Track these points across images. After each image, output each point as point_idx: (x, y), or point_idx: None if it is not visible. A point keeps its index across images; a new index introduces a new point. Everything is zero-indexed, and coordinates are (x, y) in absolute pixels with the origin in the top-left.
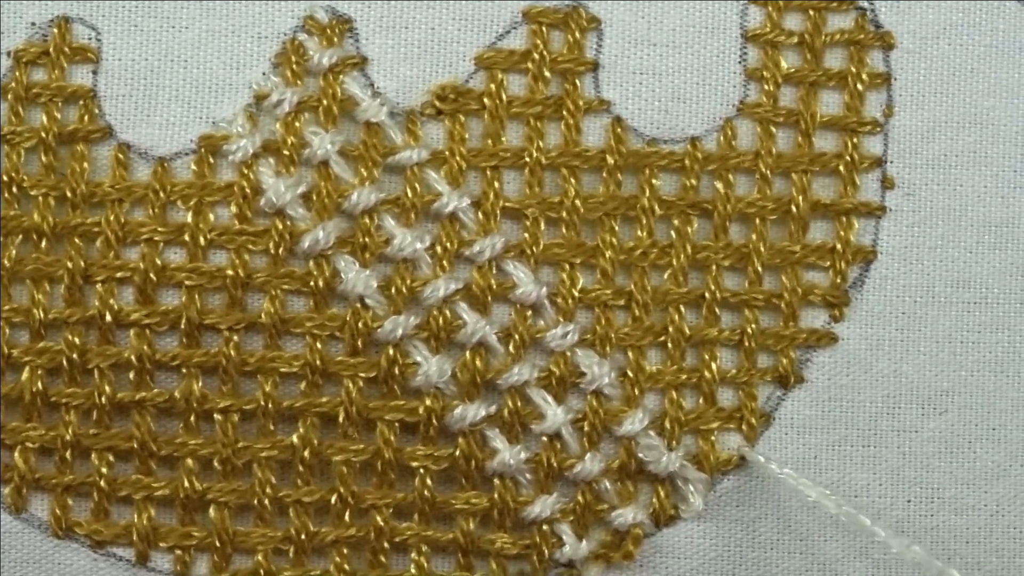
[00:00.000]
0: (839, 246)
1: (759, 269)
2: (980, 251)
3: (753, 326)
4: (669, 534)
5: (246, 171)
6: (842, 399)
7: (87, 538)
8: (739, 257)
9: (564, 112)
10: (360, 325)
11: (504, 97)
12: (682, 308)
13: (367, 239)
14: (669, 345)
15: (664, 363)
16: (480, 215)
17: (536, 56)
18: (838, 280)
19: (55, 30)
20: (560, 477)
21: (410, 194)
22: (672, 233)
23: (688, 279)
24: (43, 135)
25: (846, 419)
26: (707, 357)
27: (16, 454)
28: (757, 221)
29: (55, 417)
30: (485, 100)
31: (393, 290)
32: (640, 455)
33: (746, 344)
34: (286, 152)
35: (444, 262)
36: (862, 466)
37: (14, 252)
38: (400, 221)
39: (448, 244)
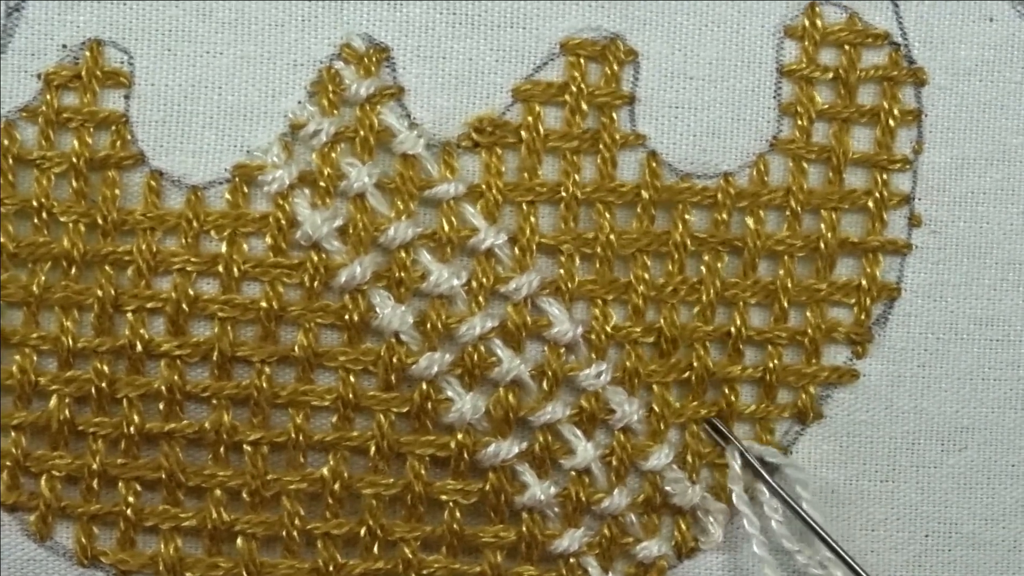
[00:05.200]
0: (865, 283)
1: (785, 306)
2: (1003, 289)
3: (775, 363)
4: (690, 566)
5: (281, 202)
6: (861, 434)
7: (112, 567)
8: (766, 294)
9: (600, 146)
10: (394, 360)
11: (541, 130)
12: (707, 345)
13: (403, 274)
14: (693, 381)
15: (686, 398)
16: (516, 251)
17: (573, 89)
18: (862, 317)
19: (87, 53)
20: (587, 511)
21: (446, 229)
22: (702, 269)
23: (715, 315)
24: (74, 160)
25: (864, 454)
26: (728, 393)
27: (42, 482)
28: (785, 258)
29: (82, 445)
30: (522, 133)
31: (428, 326)
32: (667, 488)
33: (767, 380)
34: (322, 184)
35: (479, 298)
36: (880, 501)
37: (43, 279)
38: (436, 256)
39: (484, 280)
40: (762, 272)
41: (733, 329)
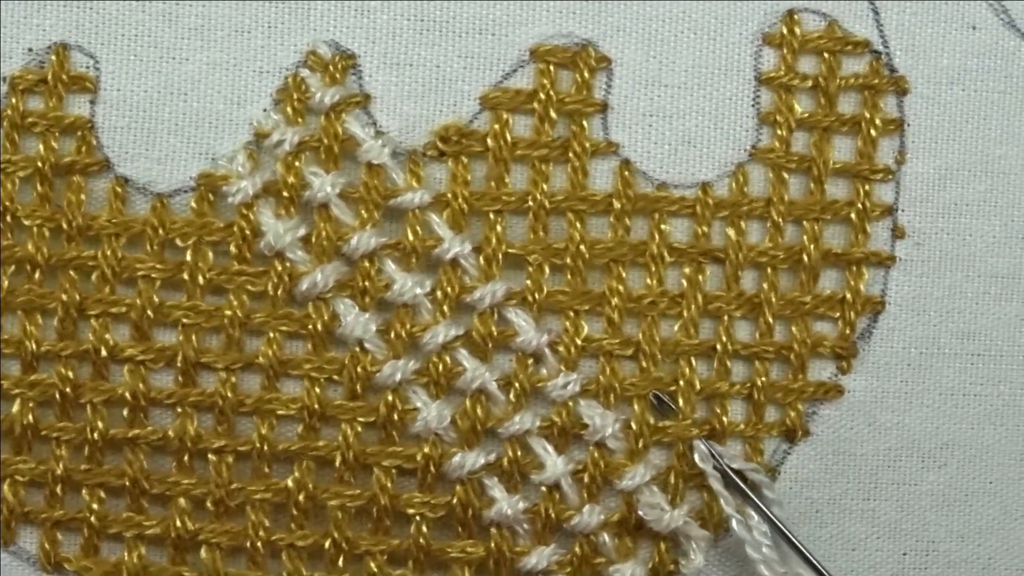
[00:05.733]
0: (849, 296)
1: (770, 320)
2: (985, 302)
3: (763, 379)
4: None
5: (246, 212)
6: (845, 452)
7: (76, 574)
8: (751, 307)
9: (570, 154)
10: (359, 369)
11: (509, 138)
12: (693, 360)
13: (367, 283)
14: (680, 399)
15: (676, 418)
16: (481, 260)
17: (543, 96)
18: (847, 331)
19: (53, 57)
20: (558, 528)
21: (411, 238)
22: (683, 282)
23: (699, 329)
24: (39, 165)
25: (848, 472)
26: (718, 411)
27: (5, 486)
28: (768, 270)
29: (45, 451)
30: (489, 141)
31: (392, 334)
32: (640, 513)
33: (756, 397)
34: (286, 194)
35: (444, 307)
36: (861, 519)
37: (6, 282)
38: (400, 265)
39: (449, 290)
40: (745, 285)
41: (719, 345)
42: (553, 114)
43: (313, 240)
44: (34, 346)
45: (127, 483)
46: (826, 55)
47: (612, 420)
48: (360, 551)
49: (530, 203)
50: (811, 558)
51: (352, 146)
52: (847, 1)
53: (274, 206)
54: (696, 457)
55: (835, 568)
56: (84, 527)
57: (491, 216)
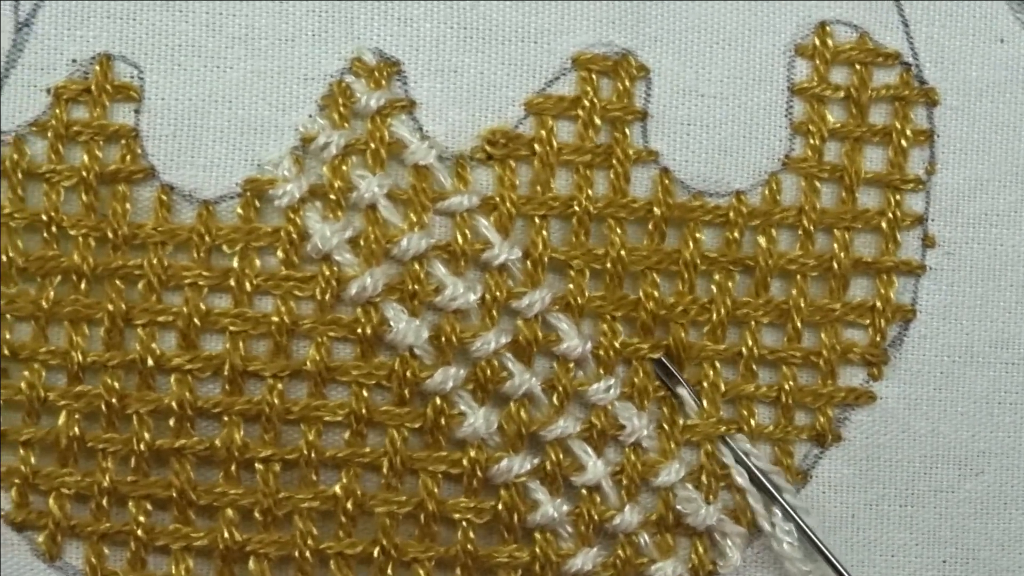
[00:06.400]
0: (879, 304)
1: (799, 326)
2: (1019, 311)
3: (791, 383)
4: None
5: (292, 216)
6: (880, 458)
7: None
8: (779, 314)
9: (613, 161)
10: (408, 375)
11: (554, 144)
12: (718, 364)
13: (416, 287)
14: (705, 400)
15: (702, 416)
16: (528, 265)
17: (586, 103)
18: (877, 338)
19: (97, 67)
20: (600, 529)
21: (460, 241)
22: (713, 288)
23: (727, 333)
24: (84, 174)
25: (883, 478)
26: (745, 413)
27: (51, 500)
28: (798, 278)
29: (91, 463)
30: (536, 146)
31: (443, 340)
32: (678, 507)
33: (783, 401)
34: (332, 196)
35: (493, 312)
36: (899, 526)
37: (52, 293)
38: (449, 268)
39: (497, 294)
40: (775, 292)
41: (744, 349)
42: (597, 121)
43: (362, 242)
44: (80, 357)
45: (174, 494)
46: (857, 66)
47: (647, 421)
48: (408, 558)
49: (575, 208)
50: (829, 555)
51: (398, 149)
52: (878, 13)
53: (320, 210)
54: (724, 453)
55: (875, 574)
56: (131, 540)
57: (536, 221)
